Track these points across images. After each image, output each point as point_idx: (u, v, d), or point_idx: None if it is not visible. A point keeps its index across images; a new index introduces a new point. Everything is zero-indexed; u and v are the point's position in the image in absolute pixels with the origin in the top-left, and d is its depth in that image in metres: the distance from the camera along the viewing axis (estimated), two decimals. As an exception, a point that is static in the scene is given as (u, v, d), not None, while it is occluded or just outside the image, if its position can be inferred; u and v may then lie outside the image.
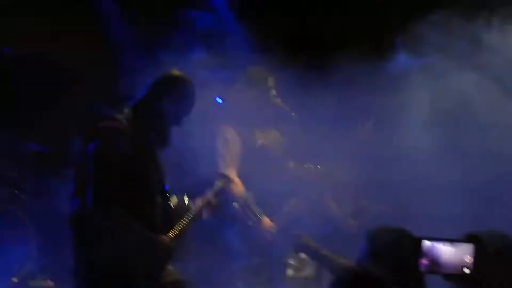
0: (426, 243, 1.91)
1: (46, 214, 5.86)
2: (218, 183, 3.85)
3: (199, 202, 3.59)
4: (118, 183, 3.13)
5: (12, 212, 5.82)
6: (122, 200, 3.13)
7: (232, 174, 4.49)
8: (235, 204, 4.51)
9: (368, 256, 2.47)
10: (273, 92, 4.72)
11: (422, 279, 2.12)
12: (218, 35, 6.66)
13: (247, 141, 4.65)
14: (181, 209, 3.54)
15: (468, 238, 1.89)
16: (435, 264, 1.89)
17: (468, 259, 1.84)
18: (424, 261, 1.91)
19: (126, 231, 3.14)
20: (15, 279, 5.64)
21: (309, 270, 4.59)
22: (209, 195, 3.68)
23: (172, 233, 3.37)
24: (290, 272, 4.58)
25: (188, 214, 3.49)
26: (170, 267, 3.38)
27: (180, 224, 3.44)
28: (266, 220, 4.53)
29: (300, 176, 4.69)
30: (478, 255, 1.84)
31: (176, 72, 3.46)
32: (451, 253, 1.86)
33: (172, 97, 3.37)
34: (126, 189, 3.15)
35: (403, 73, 5.14)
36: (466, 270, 1.85)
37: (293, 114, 4.66)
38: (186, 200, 3.62)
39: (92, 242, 3.14)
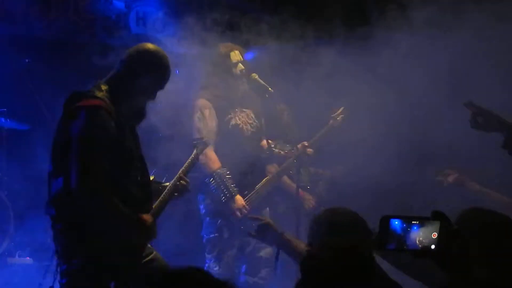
0: (393, 221, 1.93)
1: (23, 191, 5.84)
2: (194, 151, 3.86)
3: (176, 178, 3.60)
4: (103, 162, 3.12)
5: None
6: (107, 179, 3.12)
7: (209, 149, 4.51)
8: (208, 179, 4.54)
9: (321, 239, 2.52)
10: (240, 66, 4.67)
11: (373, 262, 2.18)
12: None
13: (221, 119, 4.65)
14: (158, 186, 3.56)
15: (434, 216, 1.92)
16: (402, 242, 1.91)
17: (435, 235, 1.89)
18: (391, 239, 1.92)
19: (112, 212, 3.15)
20: (-7, 257, 5.63)
21: (267, 251, 4.64)
22: (185, 165, 3.70)
23: (153, 211, 3.39)
24: (261, 252, 4.65)
25: (166, 190, 3.51)
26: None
27: (159, 201, 3.46)
28: (239, 198, 4.56)
29: (276, 156, 4.71)
30: (442, 232, 1.88)
31: (150, 45, 3.43)
32: (418, 230, 1.90)
33: (147, 71, 3.33)
34: (111, 167, 3.15)
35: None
36: (433, 246, 1.88)
37: (270, 89, 4.64)
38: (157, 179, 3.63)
39: (77, 223, 3.14)
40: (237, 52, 4.69)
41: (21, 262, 5.69)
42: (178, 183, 3.58)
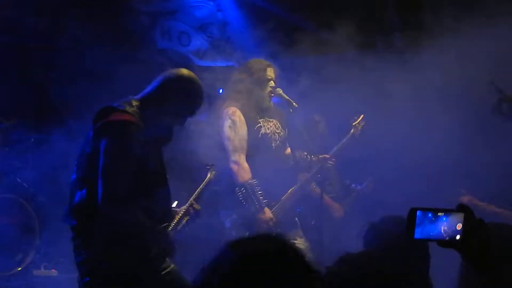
0: (420, 212, 2.05)
1: (49, 202, 5.89)
2: (208, 175, 3.87)
3: (188, 203, 3.62)
4: (131, 177, 3.13)
5: (15, 200, 5.84)
6: (134, 194, 3.13)
7: (241, 158, 4.48)
8: (239, 189, 4.51)
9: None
10: (272, 83, 4.69)
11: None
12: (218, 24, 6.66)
13: (251, 128, 4.62)
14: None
15: (459, 208, 2.05)
16: (429, 232, 2.05)
17: (459, 227, 2.02)
18: (419, 229, 2.05)
19: (137, 226, 3.16)
20: (18, 268, 5.66)
21: None
22: (198, 190, 3.72)
23: (172, 225, 3.42)
24: None
25: (178, 216, 3.53)
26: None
27: (178, 216, 3.50)
28: (267, 211, 4.52)
29: (296, 165, 4.70)
30: (467, 223, 2.02)
31: (185, 71, 3.44)
32: (444, 221, 2.04)
33: (179, 97, 3.34)
34: (138, 183, 3.16)
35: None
36: (458, 237, 2.02)
37: (294, 104, 4.63)
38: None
39: (100, 236, 3.15)
40: (271, 69, 4.71)
41: (46, 274, 5.72)
42: (190, 207, 3.59)
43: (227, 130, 4.54)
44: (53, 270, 5.78)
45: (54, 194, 5.71)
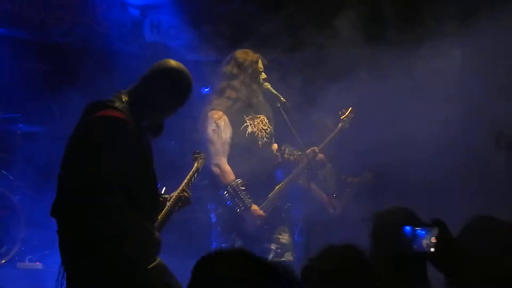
0: (406, 228, 2.22)
1: (34, 195, 5.87)
2: (195, 164, 3.87)
3: (178, 191, 3.61)
4: (119, 173, 3.10)
5: (0, 193, 5.80)
6: (123, 190, 3.11)
7: (223, 161, 4.50)
8: (224, 192, 4.51)
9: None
10: (263, 75, 4.67)
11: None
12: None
13: (237, 128, 4.62)
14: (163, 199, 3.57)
15: (433, 223, 2.20)
16: (409, 246, 2.20)
17: (434, 240, 2.17)
18: (401, 243, 2.21)
19: (125, 222, 3.13)
20: (3, 261, 5.64)
21: (288, 256, 4.63)
22: (187, 178, 3.71)
23: (157, 223, 3.40)
24: (270, 256, 4.62)
25: (169, 203, 3.53)
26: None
27: (163, 214, 3.48)
28: (255, 209, 4.51)
29: (286, 162, 4.69)
30: (440, 237, 2.16)
31: (173, 63, 3.41)
32: (421, 235, 2.19)
33: (168, 88, 3.33)
34: (127, 179, 3.14)
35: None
36: (432, 250, 2.17)
37: (282, 99, 4.62)
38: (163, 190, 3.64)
39: (85, 231, 3.12)
40: (261, 61, 4.68)
41: (31, 267, 5.70)
42: (181, 195, 3.58)
43: (210, 133, 4.55)
44: (38, 263, 5.75)
45: (40, 187, 5.70)
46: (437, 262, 2.20)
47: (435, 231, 2.17)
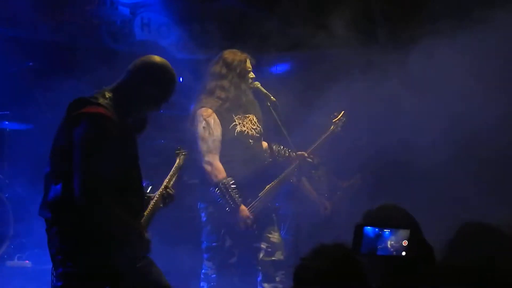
0: (366, 228, 2.16)
1: (23, 193, 5.84)
2: (177, 160, 3.87)
3: (162, 188, 3.60)
4: (106, 171, 3.10)
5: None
6: (109, 187, 3.11)
7: (214, 159, 4.50)
8: (213, 189, 4.52)
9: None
10: (252, 74, 4.68)
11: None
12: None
13: (226, 127, 4.62)
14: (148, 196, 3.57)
15: (405, 224, 2.17)
16: (375, 247, 2.15)
17: (405, 243, 2.12)
18: (365, 244, 2.15)
19: (112, 219, 3.14)
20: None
21: (278, 255, 4.65)
22: (170, 174, 3.71)
23: (143, 221, 3.40)
24: (261, 255, 4.63)
25: (153, 200, 3.52)
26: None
27: (148, 211, 3.47)
28: (243, 209, 4.51)
29: (277, 162, 4.70)
30: (412, 240, 2.11)
31: (157, 58, 3.41)
32: (390, 237, 2.14)
33: (152, 84, 3.32)
34: (114, 176, 3.13)
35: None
36: (403, 253, 2.12)
37: (272, 98, 4.64)
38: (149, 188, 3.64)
39: (74, 228, 3.12)
40: (249, 60, 4.69)
41: (20, 265, 5.68)
42: (164, 192, 3.58)
43: (201, 131, 4.54)
44: (27, 261, 5.73)
45: (29, 185, 5.68)
46: (410, 265, 2.14)
47: (406, 233, 2.12)
